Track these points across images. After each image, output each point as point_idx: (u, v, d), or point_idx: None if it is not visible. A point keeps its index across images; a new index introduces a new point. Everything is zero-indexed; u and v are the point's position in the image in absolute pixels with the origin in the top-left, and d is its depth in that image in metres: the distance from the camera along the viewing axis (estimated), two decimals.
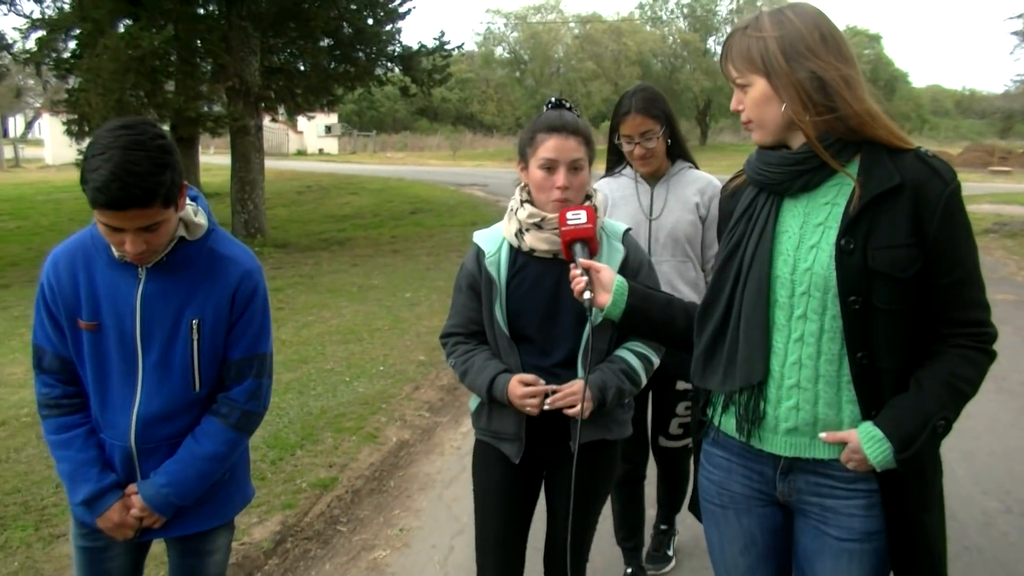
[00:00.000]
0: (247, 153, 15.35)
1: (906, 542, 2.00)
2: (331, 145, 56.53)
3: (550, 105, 2.71)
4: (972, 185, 26.31)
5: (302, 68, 18.60)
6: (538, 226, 2.59)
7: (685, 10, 63.92)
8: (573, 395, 2.54)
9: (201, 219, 2.34)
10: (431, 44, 18.29)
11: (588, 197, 2.65)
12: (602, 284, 2.26)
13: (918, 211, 1.88)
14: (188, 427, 2.40)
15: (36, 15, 14.50)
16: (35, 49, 14.42)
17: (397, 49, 17.97)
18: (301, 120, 38.06)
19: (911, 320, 1.93)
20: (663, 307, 2.29)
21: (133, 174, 2.03)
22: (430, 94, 19.33)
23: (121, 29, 11.85)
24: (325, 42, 17.72)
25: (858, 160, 1.94)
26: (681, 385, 3.51)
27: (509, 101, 64.39)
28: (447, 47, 18.74)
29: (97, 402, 2.37)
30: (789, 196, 2.02)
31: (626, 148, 3.43)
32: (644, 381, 2.72)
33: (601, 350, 2.68)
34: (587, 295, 2.22)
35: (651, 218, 3.49)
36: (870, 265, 1.88)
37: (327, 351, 7.64)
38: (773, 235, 2.00)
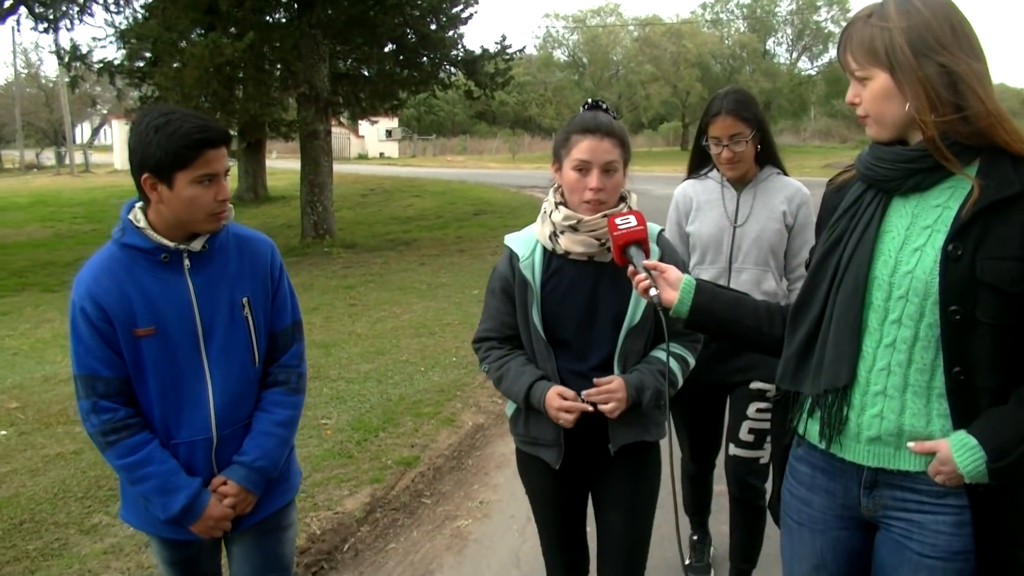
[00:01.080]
0: (316, 157, 15.88)
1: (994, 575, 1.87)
2: (391, 149, 57.34)
3: (586, 106, 2.67)
4: None
5: (366, 73, 19.12)
6: (574, 228, 2.54)
7: (744, 11, 63.64)
8: (609, 391, 2.51)
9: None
10: (493, 48, 18.68)
11: (622, 199, 2.61)
12: (668, 282, 2.20)
13: None
14: (252, 405, 2.49)
15: (109, 24, 15.15)
16: (117, 60, 15.10)
17: (460, 54, 18.36)
18: (363, 125, 38.69)
19: (1016, 337, 1.79)
20: (732, 306, 2.21)
21: (211, 119, 2.32)
22: (493, 97, 19.66)
23: (194, 37, 12.39)
24: (389, 48, 18.20)
25: (977, 164, 1.81)
26: (756, 384, 3.39)
27: (567, 104, 64.47)
28: (509, 51, 19.08)
29: (169, 405, 2.37)
30: (899, 195, 1.91)
31: (713, 151, 3.33)
32: (681, 382, 2.68)
33: (637, 352, 2.63)
34: (653, 291, 2.18)
35: (736, 225, 3.39)
36: (977, 275, 1.76)
37: (401, 344, 8.00)
38: (876, 234, 1.90)
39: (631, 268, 2.27)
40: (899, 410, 1.87)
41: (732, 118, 3.22)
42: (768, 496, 2.39)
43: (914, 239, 1.86)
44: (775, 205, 3.36)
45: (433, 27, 17.90)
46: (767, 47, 64.14)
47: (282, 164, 24.62)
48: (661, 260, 2.48)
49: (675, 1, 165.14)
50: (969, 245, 1.77)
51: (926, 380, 1.85)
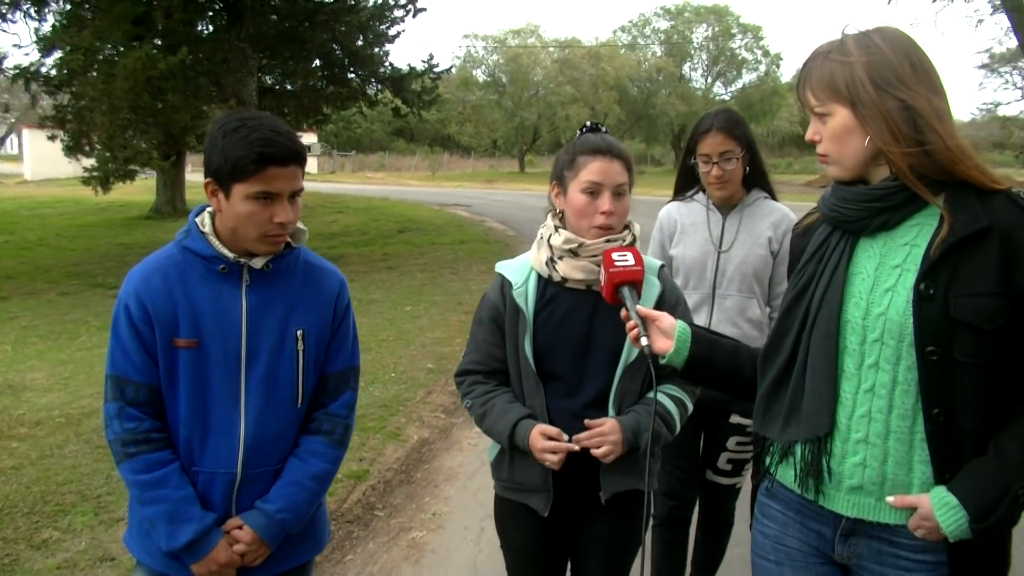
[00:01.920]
0: None
1: None
2: (310, 165, 56.76)
3: (585, 129, 2.57)
4: None
5: (289, 87, 19.06)
6: (574, 253, 2.44)
7: (661, 36, 64.97)
8: (601, 434, 2.38)
9: (302, 225, 2.28)
10: (420, 67, 18.83)
11: (626, 227, 2.52)
12: (662, 330, 2.13)
13: (1008, 258, 1.72)
14: (289, 449, 2.30)
15: (35, 31, 14.84)
16: (35, 67, 14.77)
17: (388, 71, 18.45)
18: None
19: (994, 376, 1.76)
20: (730, 355, 2.15)
21: (287, 132, 2.09)
22: (420, 115, 19.78)
23: (124, 49, 12.24)
24: (316, 63, 18.19)
25: (942, 199, 1.79)
26: (735, 419, 3.33)
27: (486, 123, 65.02)
28: (436, 69, 19.25)
29: (196, 428, 2.21)
30: (865, 235, 1.88)
31: (703, 169, 3.24)
32: (679, 427, 2.54)
33: (634, 391, 2.50)
34: (644, 341, 2.10)
35: (720, 250, 3.30)
36: (952, 313, 1.73)
37: None
38: (846, 276, 1.87)
39: (624, 312, 2.19)
40: (882, 458, 1.82)
41: (723, 135, 3.17)
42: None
43: (884, 279, 1.83)
44: (761, 231, 3.28)
45: (361, 43, 17.98)
46: (683, 72, 65.55)
47: (198, 177, 24.21)
48: (661, 296, 2.48)
49: (594, 24, 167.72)
50: (941, 283, 1.75)
51: (908, 426, 1.80)
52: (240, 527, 2.22)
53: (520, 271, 2.56)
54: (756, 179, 3.33)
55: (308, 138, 48.56)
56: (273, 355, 2.23)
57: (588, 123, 2.59)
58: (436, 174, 51.57)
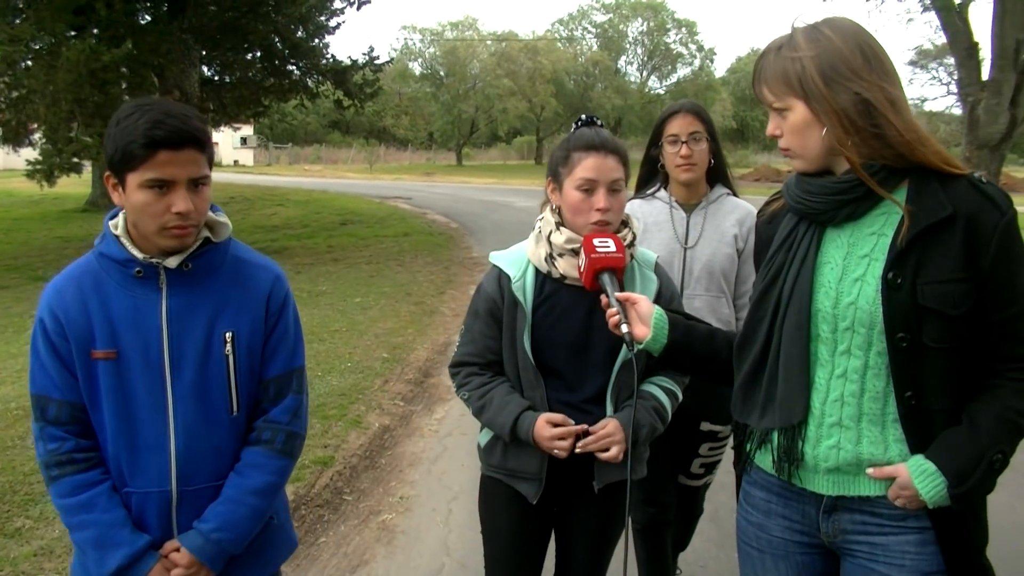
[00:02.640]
0: None
1: None
2: (246, 157, 56.19)
3: (580, 122, 2.55)
4: None
5: (228, 80, 18.91)
6: (575, 252, 2.41)
7: (597, 30, 65.50)
8: (608, 438, 2.38)
9: (224, 218, 2.15)
10: (361, 59, 18.82)
11: (624, 223, 2.51)
12: (640, 316, 2.14)
13: (971, 243, 1.76)
14: (230, 463, 2.15)
15: None
16: None
17: (329, 63, 18.41)
18: (218, 131, 37.91)
19: (962, 358, 1.81)
20: (706, 340, 2.16)
21: (183, 114, 1.94)
22: (362, 108, 19.77)
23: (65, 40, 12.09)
24: (256, 54, 18.09)
25: (906, 187, 1.83)
26: (705, 426, 3.33)
27: (423, 116, 64.93)
28: (377, 62, 19.26)
29: (123, 446, 2.06)
30: (832, 225, 1.90)
31: (670, 150, 3.21)
32: (670, 417, 2.57)
33: (630, 385, 2.47)
34: (624, 328, 2.10)
35: (686, 247, 3.26)
36: (919, 301, 1.77)
37: None
38: (814, 266, 1.90)
39: (604, 299, 2.18)
40: (856, 440, 1.86)
41: (691, 116, 3.18)
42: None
43: (853, 269, 1.86)
44: (726, 228, 3.27)
45: (301, 35, 17.91)
46: (619, 66, 66.21)
47: None
48: (659, 291, 2.51)
49: (532, 18, 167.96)
50: (908, 272, 1.78)
51: (879, 407, 1.84)
52: (178, 549, 2.08)
53: (517, 264, 2.53)
54: (719, 175, 3.33)
55: (244, 130, 48.04)
56: (200, 362, 2.07)
57: (584, 116, 2.57)
58: (373, 167, 51.37)
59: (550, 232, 2.48)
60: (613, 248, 2.24)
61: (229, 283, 2.13)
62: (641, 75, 67.56)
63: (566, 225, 2.46)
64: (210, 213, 2.10)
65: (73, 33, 12.17)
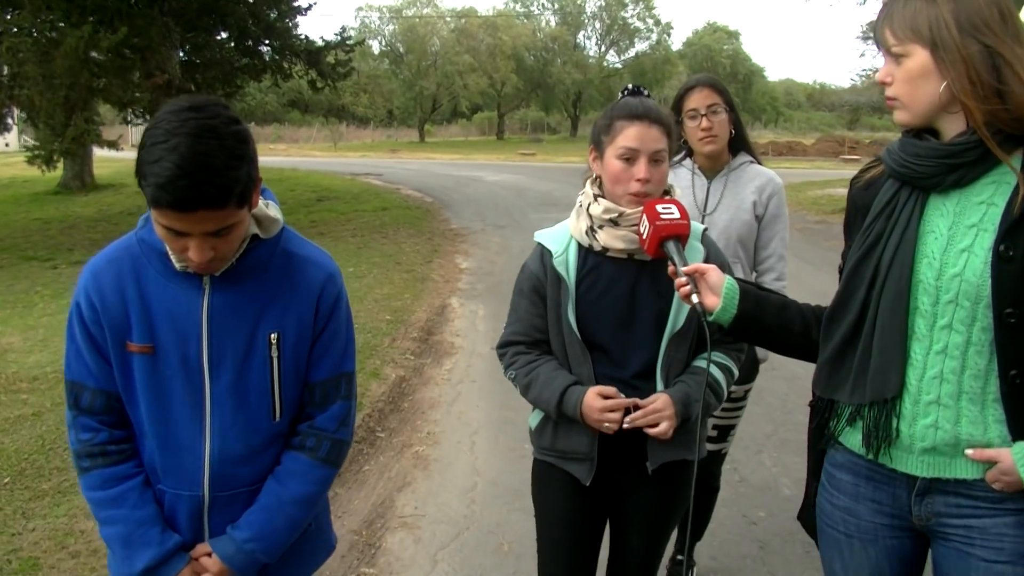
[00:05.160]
0: None
1: None
2: None
3: (627, 92, 2.50)
4: (826, 172, 29.24)
5: (197, 61, 19.26)
6: (614, 222, 2.36)
7: (555, 5, 65.89)
8: (657, 413, 2.31)
9: (275, 212, 2.01)
10: (334, 40, 19.28)
11: (666, 192, 2.44)
12: (710, 286, 2.05)
13: None
14: (269, 467, 2.05)
15: None
16: None
17: (303, 44, 18.83)
18: None
19: None
20: (778, 311, 2.07)
21: (205, 168, 1.67)
22: (335, 87, 20.21)
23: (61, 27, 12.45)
24: (230, 35, 18.47)
25: (1021, 155, 1.74)
26: None
27: (381, 93, 65.00)
28: (349, 42, 19.70)
29: (157, 444, 1.96)
30: (937, 192, 1.81)
31: (691, 125, 3.27)
32: (726, 394, 2.51)
33: (681, 360, 2.44)
34: (695, 299, 2.02)
35: (704, 213, 3.33)
36: None
37: None
38: (917, 235, 1.80)
39: (671, 267, 2.11)
40: (954, 419, 1.78)
41: (709, 89, 3.24)
42: (800, 507, 2.22)
43: (959, 239, 1.76)
44: (745, 195, 3.32)
45: (274, 16, 18.31)
46: (577, 40, 66.79)
47: (101, 153, 24.06)
48: (706, 261, 2.36)
49: None
50: (1021, 244, 1.68)
51: (980, 386, 1.76)
52: (209, 554, 2.00)
53: (560, 240, 2.50)
54: (741, 143, 3.39)
55: None
56: (241, 363, 1.95)
57: (630, 86, 2.53)
58: (338, 145, 51.56)
59: (589, 204, 2.44)
60: (677, 215, 2.17)
61: (278, 281, 1.98)
62: (600, 50, 68.29)
63: (605, 196, 2.43)
64: (260, 204, 1.95)
65: (61, 24, 12.54)
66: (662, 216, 2.16)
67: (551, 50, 64.00)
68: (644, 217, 2.21)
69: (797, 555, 3.98)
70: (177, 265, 1.89)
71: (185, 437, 1.95)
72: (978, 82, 1.69)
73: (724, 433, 3.51)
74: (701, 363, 2.46)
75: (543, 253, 2.50)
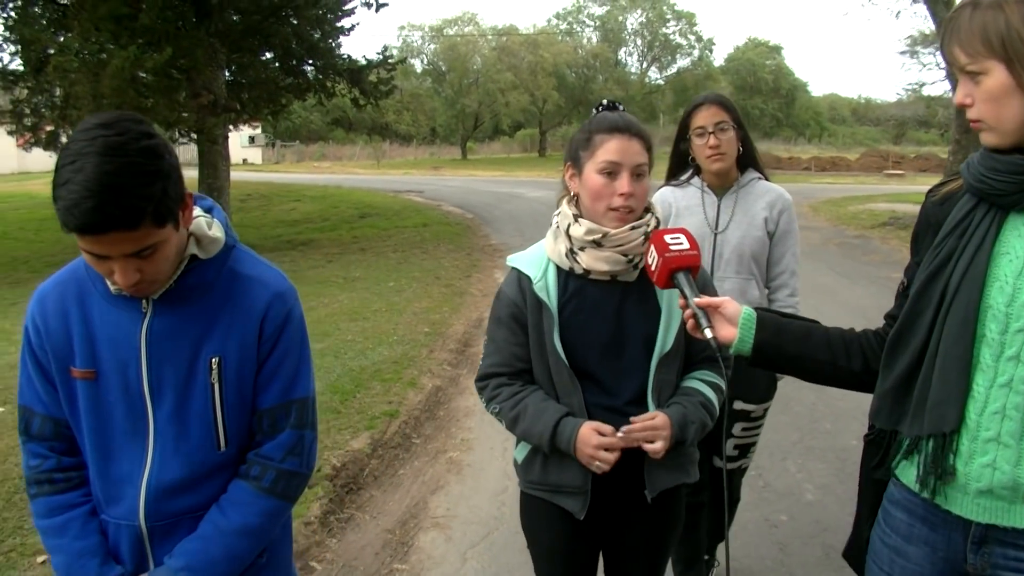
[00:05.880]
0: (215, 161, 16.45)
1: None
2: (255, 155, 56.92)
3: (602, 107, 2.40)
4: (867, 187, 29.03)
5: (244, 80, 19.69)
6: (597, 244, 2.28)
7: (597, 22, 66.22)
8: (654, 429, 2.21)
9: (217, 232, 1.92)
10: (376, 59, 19.60)
11: (647, 210, 2.36)
12: (726, 316, 1.98)
13: None
14: (214, 497, 1.97)
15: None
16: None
17: (346, 63, 19.18)
18: (232, 131, 38.72)
19: None
20: (800, 339, 1.98)
21: (111, 188, 1.60)
22: (377, 105, 20.54)
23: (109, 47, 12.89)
24: (275, 54, 18.87)
25: None
26: (739, 405, 3.35)
27: (424, 111, 65.60)
28: (391, 61, 20.04)
29: (98, 472, 1.92)
30: (1016, 211, 1.68)
31: (698, 143, 3.27)
32: (718, 412, 2.42)
33: (671, 382, 2.36)
34: (708, 333, 1.96)
35: (716, 231, 3.33)
36: None
37: (342, 327, 8.87)
38: (990, 256, 1.67)
39: (681, 300, 2.04)
40: (1015, 460, 1.63)
41: (716, 107, 3.24)
42: (847, 544, 2.10)
43: None
44: (756, 212, 3.33)
45: (318, 36, 18.69)
46: (619, 57, 67.00)
47: None
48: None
49: (531, 12, 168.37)
50: None
51: None
52: None
53: (536, 264, 2.40)
54: (749, 160, 3.39)
55: (252, 130, 48.70)
56: (181, 389, 1.88)
57: (605, 100, 2.43)
58: (381, 162, 52.16)
59: (568, 226, 2.34)
60: (687, 245, 2.08)
61: (220, 302, 1.91)
62: (641, 66, 68.45)
63: (585, 216, 2.33)
64: (201, 223, 1.90)
65: (112, 46, 12.97)
66: (671, 247, 2.07)
67: (592, 67, 64.23)
68: (652, 247, 2.11)
69: (816, 557, 4.09)
70: (112, 288, 1.85)
71: (124, 466, 1.90)
72: None
73: (744, 451, 3.53)
74: (691, 383, 2.41)
75: (520, 278, 2.40)
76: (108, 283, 1.83)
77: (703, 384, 2.40)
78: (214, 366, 1.88)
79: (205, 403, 1.89)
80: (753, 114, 67.35)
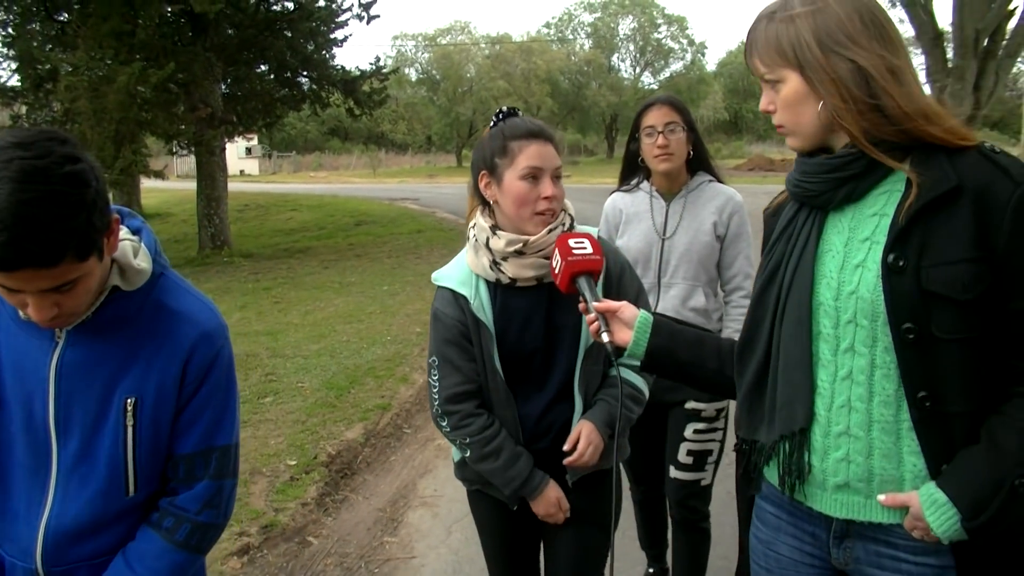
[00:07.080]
0: (212, 172, 16.86)
1: None
2: (251, 166, 57.26)
3: (503, 114, 2.42)
4: None
5: (238, 93, 20.08)
6: (519, 253, 2.32)
7: (588, 29, 66.71)
8: (590, 445, 2.35)
9: (143, 262, 1.76)
10: (368, 69, 19.99)
11: (562, 208, 2.41)
12: (623, 320, 1.99)
13: (982, 219, 1.54)
14: (121, 539, 1.81)
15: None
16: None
17: (339, 74, 19.57)
18: (229, 143, 39.00)
19: (981, 352, 1.58)
20: (692, 346, 1.99)
21: (27, 221, 1.42)
22: (371, 115, 20.92)
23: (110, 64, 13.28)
24: (269, 67, 19.27)
25: (908, 165, 1.61)
26: (691, 404, 3.26)
27: (420, 120, 66.06)
28: (384, 71, 20.43)
29: None
30: (834, 209, 1.72)
31: (647, 142, 3.22)
32: (647, 396, 2.49)
33: (597, 372, 2.44)
34: (605, 337, 1.98)
35: (664, 237, 3.29)
36: (924, 285, 1.56)
37: (338, 328, 9.23)
38: (815, 255, 1.71)
39: (582, 304, 2.05)
40: (866, 451, 1.65)
41: (667, 107, 3.20)
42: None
43: (854, 255, 1.66)
44: (704, 216, 3.27)
45: (311, 48, 19.08)
46: (612, 63, 67.51)
47: (149, 183, 25.00)
48: (606, 267, 2.37)
49: (524, 20, 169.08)
50: (911, 253, 1.57)
51: (892, 414, 1.63)
52: None
53: (466, 281, 2.42)
54: (700, 163, 3.34)
55: (248, 140, 49.12)
56: (91, 428, 1.73)
57: (504, 108, 2.45)
58: (377, 171, 52.56)
59: (487, 239, 2.37)
60: (590, 249, 2.09)
61: (141, 338, 1.75)
62: (634, 71, 68.97)
63: (505, 223, 2.38)
64: (126, 249, 1.74)
65: (110, 62, 13.35)
66: (574, 251, 2.07)
67: (586, 73, 64.72)
68: (556, 251, 2.11)
69: None
70: (22, 315, 1.67)
71: (22, 504, 1.76)
72: (850, 99, 1.60)
73: (700, 460, 3.31)
74: (619, 372, 2.35)
75: (456, 298, 2.42)
76: (20, 311, 1.66)
77: (630, 371, 2.44)
78: (129, 407, 1.73)
79: (115, 444, 1.74)
80: (747, 117, 67.86)
